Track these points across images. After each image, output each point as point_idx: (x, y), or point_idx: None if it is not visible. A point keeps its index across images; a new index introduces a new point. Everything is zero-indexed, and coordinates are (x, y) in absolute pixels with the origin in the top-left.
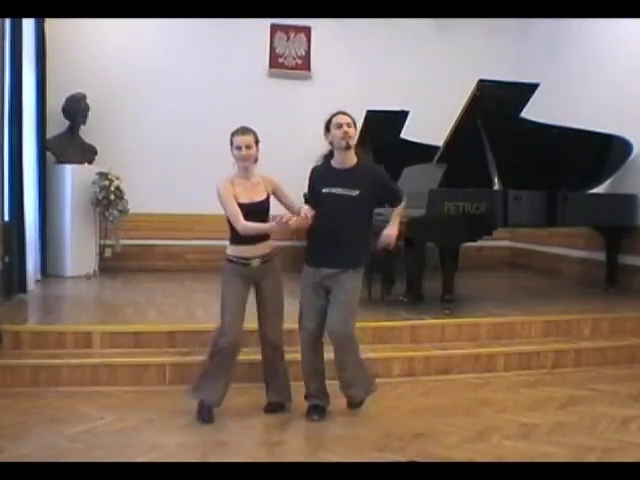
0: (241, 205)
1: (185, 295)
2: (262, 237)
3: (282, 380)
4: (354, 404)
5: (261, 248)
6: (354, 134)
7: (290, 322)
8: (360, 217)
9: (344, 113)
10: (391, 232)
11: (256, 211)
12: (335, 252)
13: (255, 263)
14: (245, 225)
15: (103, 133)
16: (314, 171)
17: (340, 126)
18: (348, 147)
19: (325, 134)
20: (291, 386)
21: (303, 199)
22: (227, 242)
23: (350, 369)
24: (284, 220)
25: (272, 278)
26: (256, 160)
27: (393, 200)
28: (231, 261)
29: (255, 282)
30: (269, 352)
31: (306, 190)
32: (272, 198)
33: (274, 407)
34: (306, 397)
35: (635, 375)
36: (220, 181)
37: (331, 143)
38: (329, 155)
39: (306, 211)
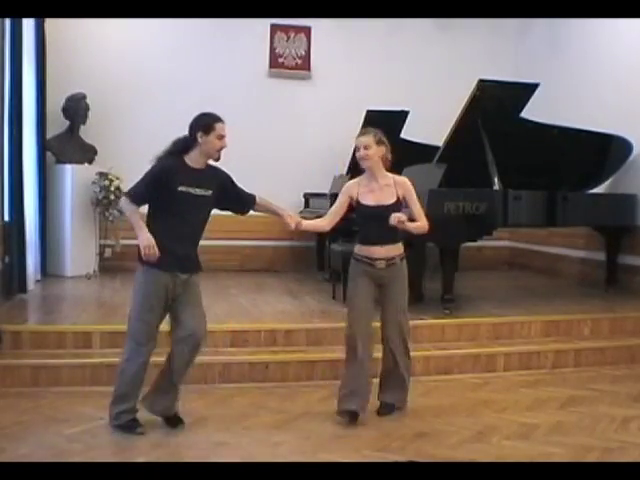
0: (365, 207)
1: None
2: (390, 239)
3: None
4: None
5: (387, 250)
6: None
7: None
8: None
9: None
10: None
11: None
12: None
13: (380, 265)
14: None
15: (103, 133)
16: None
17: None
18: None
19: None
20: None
21: (303, 200)
22: (222, 242)
23: None
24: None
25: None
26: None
27: None
28: (357, 259)
29: (380, 284)
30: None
31: (306, 191)
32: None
33: (387, 409)
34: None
35: (635, 375)
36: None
37: None
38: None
39: None
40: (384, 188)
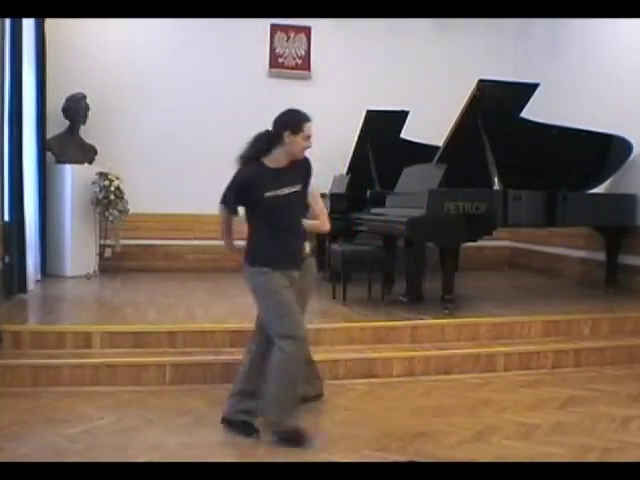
0: None
1: (185, 295)
2: None
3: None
4: None
5: None
6: None
7: None
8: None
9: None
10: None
11: None
12: None
13: None
14: None
15: (103, 133)
16: None
17: (308, 138)
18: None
19: None
20: None
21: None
22: (222, 242)
23: None
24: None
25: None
26: None
27: None
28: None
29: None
30: None
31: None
32: None
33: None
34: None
35: (635, 375)
36: None
37: None
38: None
39: None
40: None
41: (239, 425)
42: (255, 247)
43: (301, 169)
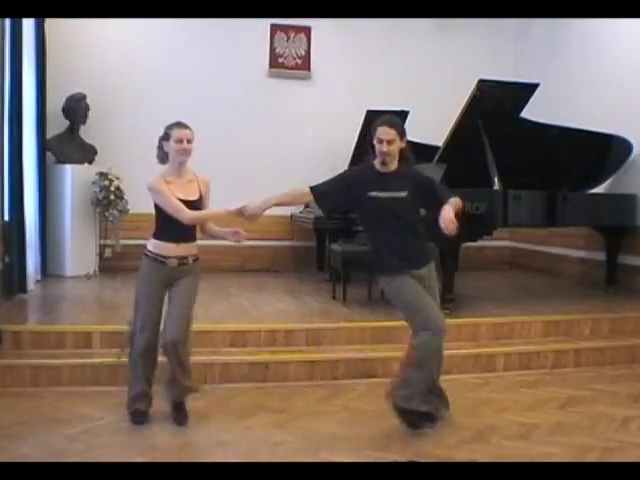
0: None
1: None
2: (187, 237)
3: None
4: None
5: (183, 249)
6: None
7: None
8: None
9: (389, 125)
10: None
11: (190, 209)
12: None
13: (172, 263)
14: (191, 215)
15: (103, 133)
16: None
17: (380, 141)
18: (384, 163)
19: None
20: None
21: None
22: (222, 242)
23: None
24: (243, 209)
25: (187, 281)
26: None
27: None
28: (148, 256)
29: (169, 282)
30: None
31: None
32: None
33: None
34: None
35: (635, 375)
36: (152, 178)
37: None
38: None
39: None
40: (189, 183)
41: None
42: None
43: (408, 175)
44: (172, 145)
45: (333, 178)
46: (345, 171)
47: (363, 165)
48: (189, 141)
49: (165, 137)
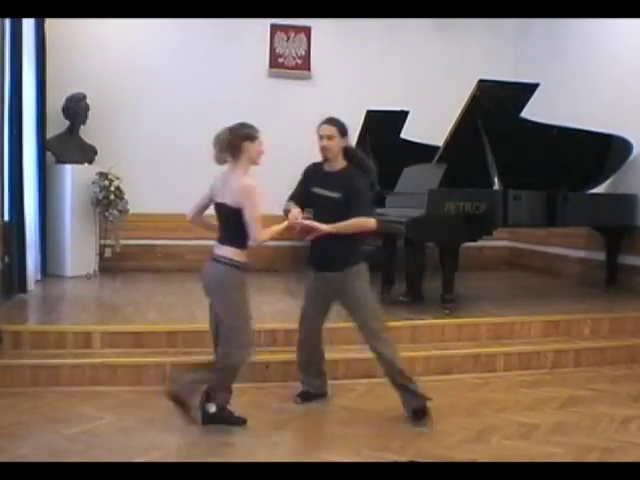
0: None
1: (185, 295)
2: None
3: None
4: None
5: None
6: (333, 147)
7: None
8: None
9: (329, 122)
10: (324, 228)
11: None
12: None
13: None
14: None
15: (103, 133)
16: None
17: (321, 138)
18: (326, 159)
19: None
20: None
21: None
22: None
23: None
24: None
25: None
26: None
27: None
28: (239, 268)
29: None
30: None
31: None
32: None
33: None
34: None
35: (635, 375)
36: (250, 179)
37: None
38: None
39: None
40: None
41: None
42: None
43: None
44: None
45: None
46: (304, 169)
47: (317, 163)
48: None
49: (249, 138)
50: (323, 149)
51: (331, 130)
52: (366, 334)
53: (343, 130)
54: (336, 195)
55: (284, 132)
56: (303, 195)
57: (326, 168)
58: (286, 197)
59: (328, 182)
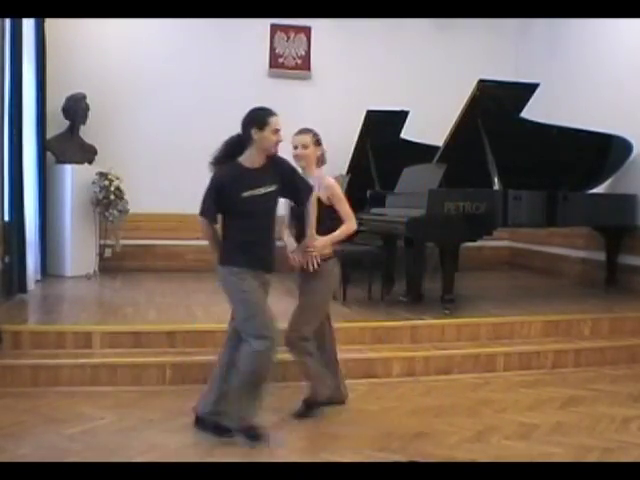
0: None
1: (185, 295)
2: None
3: None
4: None
5: None
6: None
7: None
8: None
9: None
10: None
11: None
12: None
13: None
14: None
15: (103, 133)
16: None
17: (295, 147)
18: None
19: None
20: None
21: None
22: None
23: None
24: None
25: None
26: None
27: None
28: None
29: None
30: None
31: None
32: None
33: None
34: None
35: (635, 375)
36: (332, 179)
37: None
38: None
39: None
40: None
41: (212, 427)
42: (229, 247)
43: (275, 167)
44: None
45: (206, 190)
46: (212, 176)
47: (228, 165)
48: (305, 146)
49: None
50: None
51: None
52: None
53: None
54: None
55: (284, 132)
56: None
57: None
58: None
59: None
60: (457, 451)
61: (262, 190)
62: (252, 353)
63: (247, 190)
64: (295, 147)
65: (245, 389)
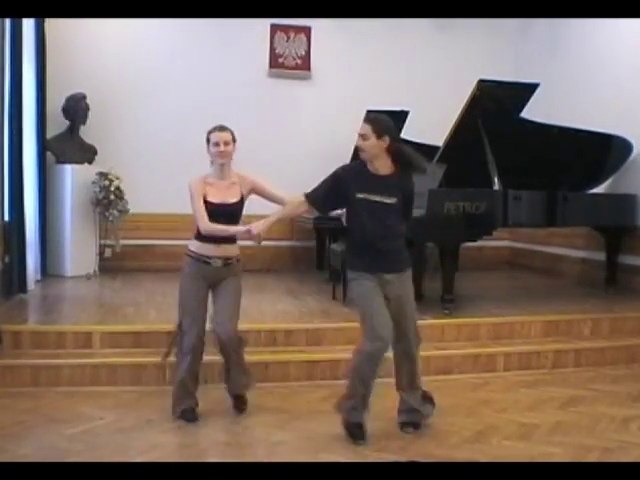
0: (210, 204)
1: None
2: (227, 239)
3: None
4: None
5: (224, 250)
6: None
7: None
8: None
9: (365, 120)
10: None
11: (226, 213)
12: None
13: (216, 263)
14: (208, 226)
15: (103, 133)
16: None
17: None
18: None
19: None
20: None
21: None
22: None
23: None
24: (250, 230)
25: (232, 281)
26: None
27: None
28: (191, 257)
29: (213, 283)
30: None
31: (306, 191)
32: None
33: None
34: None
35: (635, 375)
36: (193, 178)
37: None
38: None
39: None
40: (230, 187)
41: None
42: (349, 250)
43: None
44: (211, 149)
45: (325, 179)
46: (337, 169)
47: (356, 163)
48: (226, 143)
49: (206, 141)
50: (358, 149)
51: (365, 128)
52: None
53: (380, 130)
54: (392, 200)
55: (284, 132)
56: (338, 199)
57: (371, 170)
58: (287, 195)
59: (378, 186)
60: (457, 451)
61: (378, 198)
62: (364, 352)
63: (364, 193)
64: (217, 144)
65: (353, 387)
